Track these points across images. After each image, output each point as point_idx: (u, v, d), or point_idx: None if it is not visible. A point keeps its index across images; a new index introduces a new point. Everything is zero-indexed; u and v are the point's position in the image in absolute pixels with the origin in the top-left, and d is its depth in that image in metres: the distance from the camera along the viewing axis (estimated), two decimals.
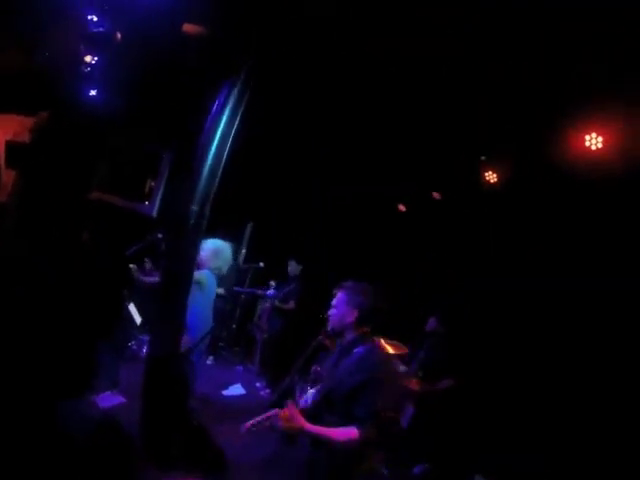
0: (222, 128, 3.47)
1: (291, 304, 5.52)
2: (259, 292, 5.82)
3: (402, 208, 6.04)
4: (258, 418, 2.24)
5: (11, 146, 5.40)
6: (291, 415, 2.13)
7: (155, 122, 5.18)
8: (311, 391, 2.56)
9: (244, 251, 6.66)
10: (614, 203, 3.19)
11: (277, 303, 5.64)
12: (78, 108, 4.69)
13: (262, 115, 4.20)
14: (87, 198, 5.22)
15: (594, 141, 2.96)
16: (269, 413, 2.25)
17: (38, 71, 4.31)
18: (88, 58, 4.08)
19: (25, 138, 5.35)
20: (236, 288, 6.18)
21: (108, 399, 3.94)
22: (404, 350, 4.07)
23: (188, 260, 3.46)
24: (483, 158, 4.34)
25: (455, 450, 3.50)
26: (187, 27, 3.59)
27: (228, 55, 3.31)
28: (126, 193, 5.49)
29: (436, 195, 5.26)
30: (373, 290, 2.51)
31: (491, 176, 4.32)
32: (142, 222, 5.42)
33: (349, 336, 2.45)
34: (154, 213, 5.59)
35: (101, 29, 3.74)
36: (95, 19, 3.72)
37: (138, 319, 4.28)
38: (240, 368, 6.15)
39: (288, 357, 4.86)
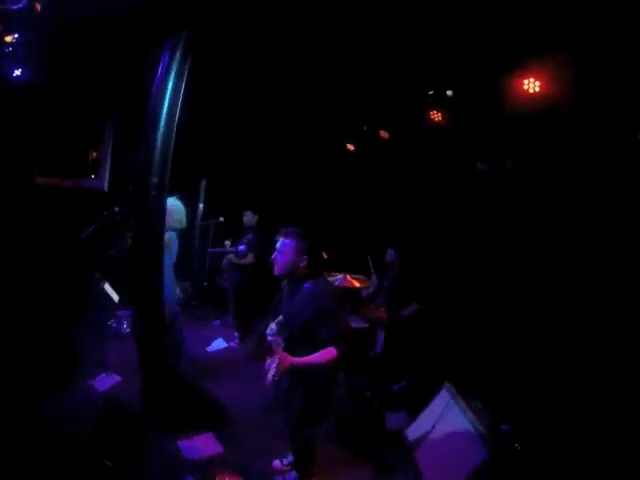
0: (170, 94, 3.27)
1: (249, 257, 5.52)
2: (229, 249, 5.78)
3: (350, 147, 6.14)
4: (272, 370, 2.45)
5: None
6: (282, 357, 2.43)
7: (90, 92, 4.71)
8: (272, 325, 2.85)
9: (201, 206, 6.50)
10: (547, 136, 3.60)
11: (233, 259, 5.66)
12: (3, 91, 4.16)
13: (206, 73, 3.96)
14: (32, 185, 4.77)
15: (532, 85, 3.37)
16: (274, 361, 2.48)
17: None
18: (9, 38, 3.57)
19: None
20: (209, 250, 6.15)
21: (104, 381, 3.98)
22: (367, 282, 4.40)
23: (157, 232, 3.40)
24: (431, 93, 4.39)
25: (425, 365, 3.86)
26: None
27: (165, 16, 3.04)
28: (69, 171, 5.07)
29: (384, 134, 5.34)
30: (314, 235, 2.75)
31: (437, 115, 4.47)
32: (90, 199, 5.09)
33: (299, 275, 2.69)
34: (105, 187, 5.25)
35: (19, 5, 3.23)
36: None
37: (116, 297, 4.21)
38: (217, 322, 6.28)
39: (254, 306, 5.10)
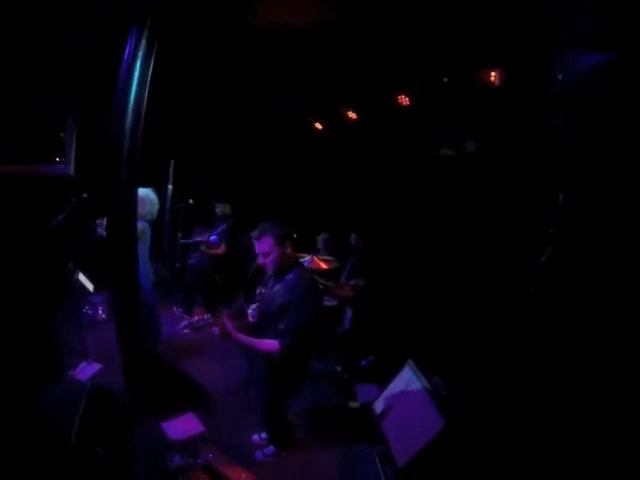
0: (137, 79, 3.25)
1: (222, 248, 5.68)
2: (202, 239, 5.91)
3: (319, 126, 6.21)
4: (193, 319, 2.78)
5: None
6: (223, 323, 2.74)
7: (44, 76, 4.54)
8: (252, 307, 3.19)
9: (170, 187, 6.49)
10: (507, 115, 4.20)
11: (204, 249, 5.79)
12: None
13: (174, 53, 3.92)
14: None
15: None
16: (202, 316, 2.81)
17: None
18: None
19: None
20: (181, 240, 6.23)
21: (85, 370, 4.08)
22: (335, 264, 4.64)
23: (129, 221, 3.47)
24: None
25: (391, 340, 4.16)
26: None
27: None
28: (31, 157, 4.94)
29: (352, 115, 5.45)
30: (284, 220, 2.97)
31: (404, 99, 4.66)
32: (57, 185, 5.00)
33: (290, 262, 2.92)
34: (71, 171, 5.16)
35: None
36: None
37: (90, 286, 4.26)
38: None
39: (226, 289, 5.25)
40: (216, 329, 2.78)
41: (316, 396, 3.79)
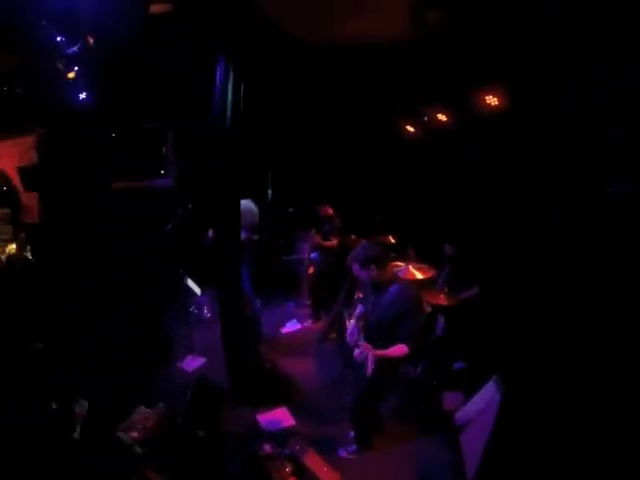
0: (230, 101, 3.65)
1: (333, 241, 6.07)
2: (305, 257, 6.43)
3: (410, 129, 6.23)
4: (369, 363, 2.98)
5: (23, 171, 5.85)
6: (365, 347, 2.98)
7: (150, 102, 5.33)
8: (352, 322, 3.40)
9: (270, 192, 7.00)
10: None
11: (318, 241, 6.21)
12: (73, 115, 4.91)
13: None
14: (110, 191, 5.56)
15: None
16: (366, 357, 3.00)
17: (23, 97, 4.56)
18: (71, 75, 4.21)
19: (31, 158, 5.76)
20: (285, 257, 6.81)
21: (191, 363, 4.65)
22: (431, 273, 4.60)
23: (233, 232, 3.93)
24: None
25: (481, 352, 4.08)
26: (155, 8, 3.64)
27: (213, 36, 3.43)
28: (141, 174, 5.81)
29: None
30: (370, 241, 3.34)
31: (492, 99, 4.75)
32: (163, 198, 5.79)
33: (381, 281, 3.17)
34: (171, 184, 5.95)
35: (74, 49, 3.82)
36: (63, 39, 3.80)
37: (198, 290, 4.82)
38: (291, 304, 6.76)
39: (335, 288, 5.52)
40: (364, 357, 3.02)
41: (403, 400, 3.84)
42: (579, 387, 3.05)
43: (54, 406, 2.88)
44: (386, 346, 3.01)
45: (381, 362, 2.99)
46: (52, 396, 2.97)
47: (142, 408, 3.39)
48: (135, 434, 3.12)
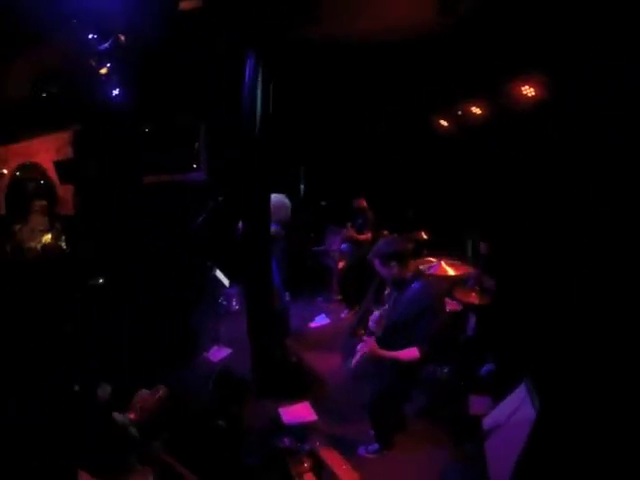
0: (260, 96, 3.66)
1: (367, 234, 6.03)
2: (334, 248, 6.40)
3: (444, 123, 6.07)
4: (356, 358, 2.99)
5: (59, 164, 6.13)
6: (372, 347, 2.92)
7: (182, 97, 5.44)
8: (375, 312, 3.33)
9: (302, 187, 7.02)
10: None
11: (352, 234, 6.18)
12: (107, 111, 5.10)
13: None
14: (143, 185, 5.74)
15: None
16: (359, 352, 3.00)
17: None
18: (104, 70, 4.35)
19: (68, 152, 6.04)
20: (314, 248, 6.82)
21: (217, 353, 4.73)
22: (464, 269, 4.42)
23: (263, 226, 3.95)
24: None
25: (512, 354, 3.90)
26: (184, 4, 3.68)
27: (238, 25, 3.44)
28: (172, 168, 5.96)
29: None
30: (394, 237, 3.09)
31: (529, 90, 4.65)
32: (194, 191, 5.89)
33: (401, 278, 3.07)
34: (204, 177, 6.07)
35: (106, 45, 3.94)
36: (96, 36, 3.93)
37: (226, 282, 4.89)
38: (320, 299, 6.77)
39: (365, 283, 5.47)
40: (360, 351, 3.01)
41: (428, 401, 3.75)
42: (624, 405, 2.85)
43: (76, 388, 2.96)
44: (401, 346, 2.91)
45: (395, 363, 2.93)
46: (75, 380, 3.07)
47: (143, 390, 3.38)
48: (132, 415, 3.11)
